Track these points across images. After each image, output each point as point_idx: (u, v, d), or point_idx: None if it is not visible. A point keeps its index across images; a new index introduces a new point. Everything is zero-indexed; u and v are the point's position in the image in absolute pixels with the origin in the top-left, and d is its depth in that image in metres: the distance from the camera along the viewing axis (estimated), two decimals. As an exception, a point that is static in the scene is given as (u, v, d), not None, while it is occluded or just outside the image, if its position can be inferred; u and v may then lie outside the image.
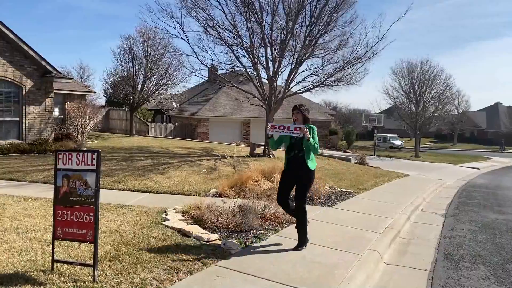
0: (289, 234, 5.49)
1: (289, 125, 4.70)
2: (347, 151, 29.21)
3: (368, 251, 4.96)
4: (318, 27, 13.60)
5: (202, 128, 26.54)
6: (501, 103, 62.28)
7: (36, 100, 13.73)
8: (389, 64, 55.92)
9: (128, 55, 20.96)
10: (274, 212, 6.20)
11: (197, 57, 14.50)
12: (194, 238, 4.81)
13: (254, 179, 8.71)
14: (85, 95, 19.31)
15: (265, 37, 14.21)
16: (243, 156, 14.14)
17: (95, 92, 22.59)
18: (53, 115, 14.64)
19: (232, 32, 14.44)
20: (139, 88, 21.49)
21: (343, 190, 9.84)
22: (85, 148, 14.76)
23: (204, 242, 4.66)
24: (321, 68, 13.84)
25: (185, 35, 14.21)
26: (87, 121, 16.75)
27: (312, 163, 4.85)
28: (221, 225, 5.44)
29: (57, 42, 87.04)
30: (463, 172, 19.66)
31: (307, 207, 7.48)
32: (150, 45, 20.83)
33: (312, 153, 4.83)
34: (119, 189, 8.22)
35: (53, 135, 14.42)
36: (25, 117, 13.44)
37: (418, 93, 31.00)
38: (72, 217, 3.40)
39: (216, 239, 4.81)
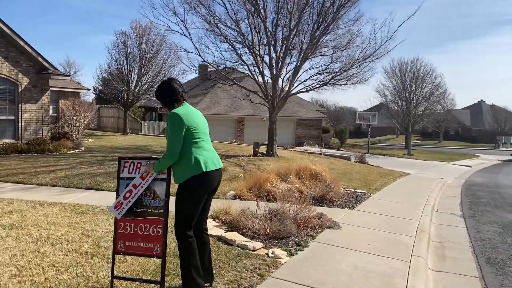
0: (327, 240, 5.35)
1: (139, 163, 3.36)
2: (340, 149, 29.32)
3: (414, 258, 4.86)
4: (323, 25, 13.47)
5: (196, 126, 26.14)
6: (484, 101, 63.74)
7: (32, 97, 13.19)
8: (381, 63, 56.12)
9: (122, 52, 20.43)
10: (305, 216, 6.04)
11: (199, 55, 14.21)
12: (237, 246, 4.60)
13: (271, 180, 8.52)
14: (79, 92, 18.72)
15: (269, 34, 14.01)
16: (247, 156, 13.92)
17: (89, 90, 21.96)
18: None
19: (235, 29, 14.18)
20: (133, 85, 20.99)
21: (357, 191, 9.76)
22: (83, 148, 14.29)
23: (250, 251, 4.46)
24: (328, 66, 13.75)
25: (188, 32, 13.88)
26: (82, 120, 16.24)
27: (176, 176, 3.22)
28: (258, 231, 5.23)
29: (42, 37, 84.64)
30: (458, 170, 19.94)
31: (329, 210, 7.40)
32: (145, 41, 20.34)
33: (170, 163, 3.19)
34: (133, 192, 7.89)
35: (49, 134, 13.90)
36: (21, 116, 12.90)
37: (409, 91, 31.35)
38: (136, 229, 3.15)
39: (261, 248, 4.62)
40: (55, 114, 17.14)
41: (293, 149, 21.33)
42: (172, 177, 3.24)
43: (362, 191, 9.81)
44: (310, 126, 30.41)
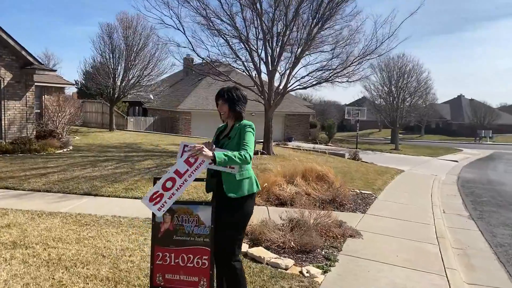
0: (354, 251, 5.09)
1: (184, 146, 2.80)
2: (328, 144, 29.28)
3: (449, 271, 4.66)
4: (321, 21, 13.17)
5: (184, 122, 25.56)
6: (464, 96, 65.12)
7: (15, 94, 12.41)
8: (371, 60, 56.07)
9: (108, 45, 19.59)
10: (324, 225, 5.76)
11: (193, 49, 13.69)
12: (267, 264, 4.27)
13: (278, 183, 8.22)
14: (63, 87, 17.86)
15: (265, 28, 13.61)
16: (243, 154, 13.55)
17: (74, 84, 20.97)
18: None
19: (229, 24, 13.72)
20: (120, 79, 20.22)
21: (362, 192, 9.58)
22: (71, 147, 13.61)
23: (283, 270, 4.14)
24: (328, 62, 13.48)
25: (182, 26, 13.33)
26: (67, 116, 15.49)
27: (237, 187, 2.87)
28: (283, 244, 4.93)
29: (17, 28, 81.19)
30: (446, 166, 20.13)
31: (342, 214, 7.12)
32: (132, 34, 19.57)
33: (239, 164, 2.82)
34: (136, 198, 7.43)
35: (34, 132, 13.17)
36: (4, 113, 12.12)
37: (396, 86, 31.54)
38: (177, 260, 2.77)
39: (293, 265, 4.31)
40: (38, 111, 16.27)
41: (285, 146, 21.09)
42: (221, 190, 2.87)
43: (367, 192, 9.63)
44: (298, 122, 30.20)
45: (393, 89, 31.56)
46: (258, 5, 13.47)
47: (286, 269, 4.17)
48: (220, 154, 2.66)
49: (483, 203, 9.98)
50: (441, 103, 63.67)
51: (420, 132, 57.65)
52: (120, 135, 19.13)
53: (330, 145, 28.17)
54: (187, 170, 2.65)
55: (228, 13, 13.65)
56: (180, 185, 2.67)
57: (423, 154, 26.32)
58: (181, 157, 2.72)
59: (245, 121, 3.06)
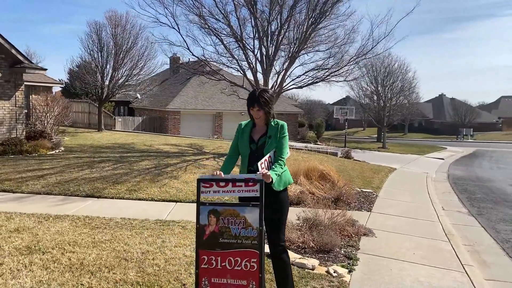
0: (371, 250, 5.13)
1: (234, 177, 2.85)
2: (317, 143, 29.44)
3: (467, 268, 4.74)
4: (317, 20, 13.22)
5: (173, 122, 25.27)
6: (445, 95, 66.57)
7: (4, 93, 12.01)
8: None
9: (96, 44, 19.17)
10: (338, 223, 5.77)
11: (188, 48, 13.54)
12: (293, 264, 4.24)
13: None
14: (51, 87, 17.40)
15: (259, 28, 13.57)
16: (239, 154, 13.48)
17: (63, 84, 20.40)
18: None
19: (224, 23, 13.62)
20: (108, 78, 19.83)
21: (363, 190, 9.67)
22: (62, 148, 13.28)
23: (310, 270, 4.13)
24: (324, 62, 13.52)
25: (177, 24, 13.15)
26: (56, 116, 15.10)
27: (280, 181, 3.09)
28: (302, 244, 4.92)
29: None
30: (434, 163, 20.53)
31: (350, 213, 7.13)
32: (121, 32, 19.22)
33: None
34: (140, 199, 7.30)
35: (24, 133, 12.78)
36: (-7, 114, 11.73)
37: (382, 85, 31.96)
38: (224, 264, 2.71)
39: (318, 265, 4.30)
40: (26, 111, 15.80)
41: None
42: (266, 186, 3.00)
43: (367, 190, 9.72)
44: (287, 121, 30.16)
45: (379, 88, 31.98)
46: (254, 6, 13.41)
47: (312, 269, 4.15)
48: (274, 176, 2.92)
49: (478, 200, 10.21)
50: (423, 102, 64.78)
51: (403, 130, 58.68)
52: (110, 135, 18.77)
53: (319, 144, 28.33)
54: (241, 186, 2.80)
55: (223, 12, 13.55)
56: (227, 191, 2.82)
57: (410, 152, 26.77)
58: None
59: (279, 121, 3.22)
